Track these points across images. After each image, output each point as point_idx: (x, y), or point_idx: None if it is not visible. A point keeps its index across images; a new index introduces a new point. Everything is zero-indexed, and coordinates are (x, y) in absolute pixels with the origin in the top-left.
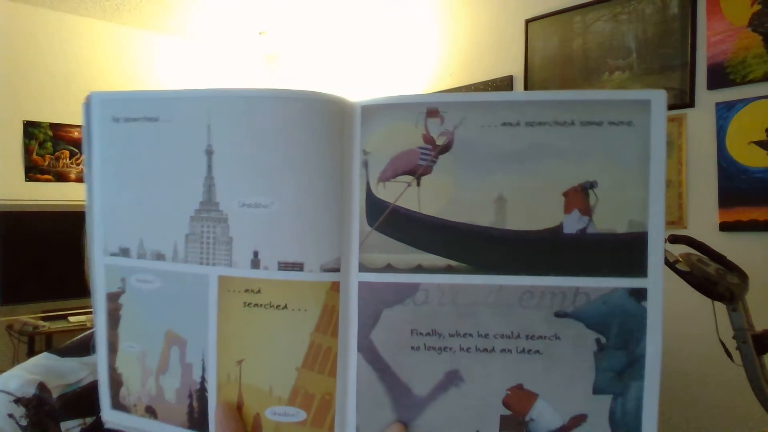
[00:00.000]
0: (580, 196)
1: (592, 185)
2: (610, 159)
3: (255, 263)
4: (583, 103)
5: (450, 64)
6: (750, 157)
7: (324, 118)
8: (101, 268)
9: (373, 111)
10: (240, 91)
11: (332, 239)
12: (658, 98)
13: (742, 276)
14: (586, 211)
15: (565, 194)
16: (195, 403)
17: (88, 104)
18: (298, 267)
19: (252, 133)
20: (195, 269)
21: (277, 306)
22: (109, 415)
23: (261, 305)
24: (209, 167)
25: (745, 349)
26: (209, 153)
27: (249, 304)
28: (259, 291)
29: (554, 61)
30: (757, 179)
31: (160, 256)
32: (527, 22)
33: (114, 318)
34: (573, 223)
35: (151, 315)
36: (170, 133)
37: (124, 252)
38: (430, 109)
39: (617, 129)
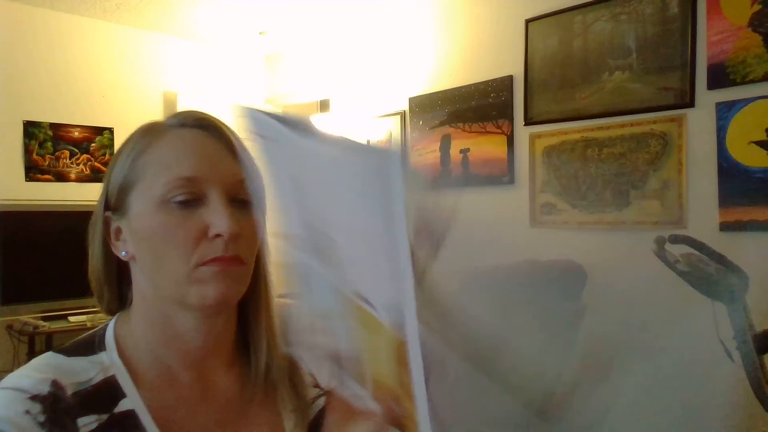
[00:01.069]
0: None
1: None
2: None
3: None
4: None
5: (450, 64)
6: (750, 157)
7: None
8: None
9: None
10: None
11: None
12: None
13: (742, 276)
14: None
15: None
16: None
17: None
18: None
19: None
20: None
21: None
22: None
23: None
24: None
25: (745, 349)
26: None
27: None
28: None
29: (554, 61)
30: (757, 179)
31: None
32: (527, 22)
33: None
34: None
35: None
36: None
37: None
38: None
39: None
